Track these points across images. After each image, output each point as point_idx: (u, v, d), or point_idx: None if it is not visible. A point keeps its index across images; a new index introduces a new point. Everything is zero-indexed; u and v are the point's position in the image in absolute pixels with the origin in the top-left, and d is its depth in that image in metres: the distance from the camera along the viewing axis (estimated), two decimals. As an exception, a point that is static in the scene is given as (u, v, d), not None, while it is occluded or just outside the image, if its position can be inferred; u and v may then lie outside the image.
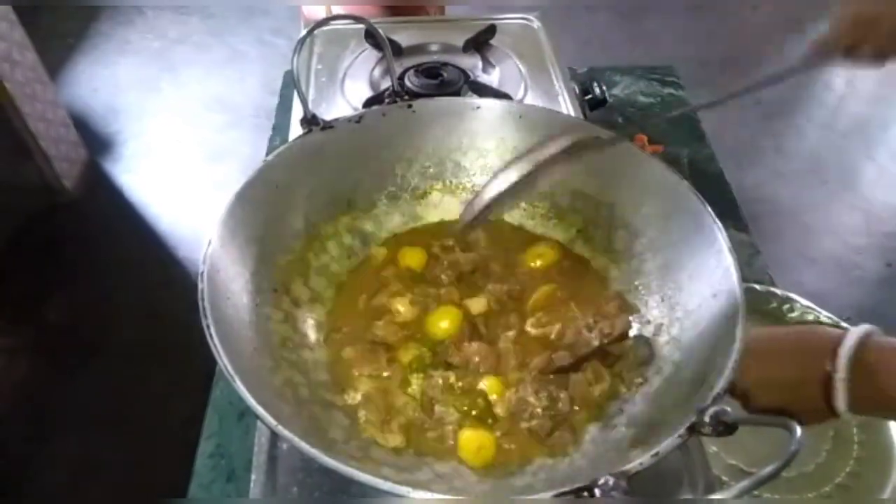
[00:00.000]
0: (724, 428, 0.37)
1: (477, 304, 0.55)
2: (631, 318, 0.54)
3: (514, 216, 0.63)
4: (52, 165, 1.67)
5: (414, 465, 0.45)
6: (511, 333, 0.53)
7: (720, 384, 0.39)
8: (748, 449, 0.57)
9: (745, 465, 0.57)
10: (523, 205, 0.63)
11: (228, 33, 2.40)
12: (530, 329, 0.53)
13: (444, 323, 0.53)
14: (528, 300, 0.56)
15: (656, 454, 0.36)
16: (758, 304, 0.67)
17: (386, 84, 0.77)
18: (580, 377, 0.49)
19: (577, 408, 0.49)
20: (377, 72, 0.81)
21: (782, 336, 0.46)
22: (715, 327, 0.45)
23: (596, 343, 0.51)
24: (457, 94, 0.75)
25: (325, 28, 0.87)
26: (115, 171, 1.88)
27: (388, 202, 0.62)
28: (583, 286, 0.57)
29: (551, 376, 0.50)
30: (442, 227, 0.63)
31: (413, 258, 0.59)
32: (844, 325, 0.66)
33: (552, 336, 0.53)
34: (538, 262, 0.59)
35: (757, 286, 0.68)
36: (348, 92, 0.78)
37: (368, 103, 0.74)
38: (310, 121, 0.56)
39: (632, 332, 0.53)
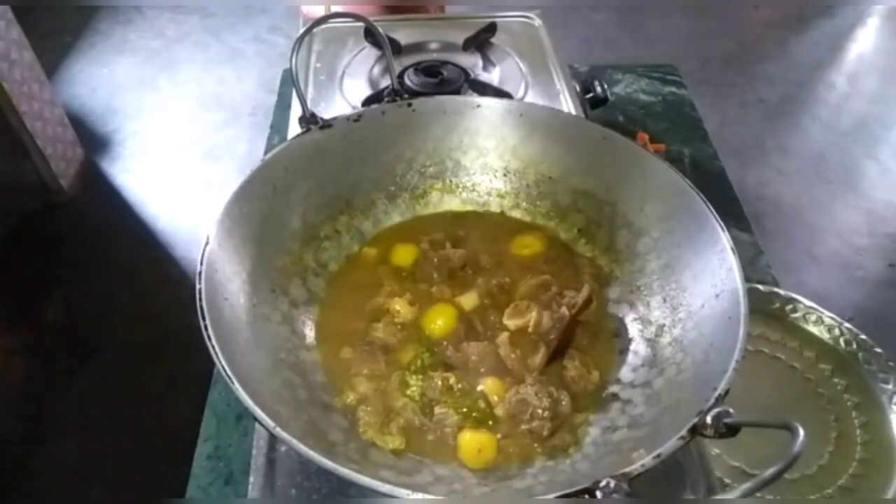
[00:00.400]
0: (727, 429, 0.37)
1: (468, 301, 0.55)
2: (633, 318, 0.54)
3: (514, 214, 0.63)
4: (49, 164, 1.67)
5: (413, 468, 0.45)
6: (507, 333, 0.53)
7: (722, 385, 0.39)
8: (750, 451, 0.56)
9: (747, 467, 0.56)
10: (524, 204, 0.62)
11: (227, 32, 2.40)
12: (507, 322, 0.53)
13: (439, 321, 0.53)
14: (516, 292, 0.56)
15: (658, 456, 0.36)
16: (761, 304, 0.67)
17: (385, 82, 0.77)
18: (574, 371, 0.49)
19: (577, 405, 0.48)
20: (376, 70, 0.80)
21: None
22: (717, 328, 0.45)
23: (567, 315, 0.51)
24: (457, 92, 0.74)
25: (323, 26, 0.86)
26: (112, 171, 1.87)
27: (387, 202, 0.62)
28: (568, 271, 0.57)
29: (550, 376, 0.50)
30: (429, 221, 0.62)
31: (405, 255, 0.58)
32: (847, 325, 0.66)
33: (530, 328, 0.52)
34: (525, 252, 0.59)
35: (760, 286, 0.68)
36: (347, 90, 0.77)
37: (367, 102, 0.74)
38: (308, 119, 0.56)
39: (633, 333, 0.53)
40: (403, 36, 0.84)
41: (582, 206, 0.60)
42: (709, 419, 0.37)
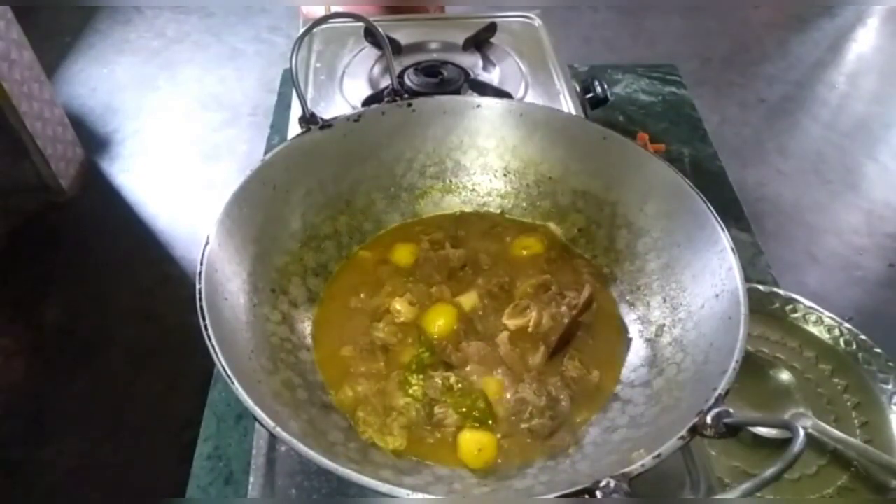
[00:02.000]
0: (727, 429, 0.37)
1: (468, 301, 0.55)
2: (633, 318, 0.54)
3: (514, 214, 0.63)
4: (49, 164, 1.67)
5: (413, 468, 0.45)
6: (507, 333, 0.53)
7: (722, 385, 0.39)
8: (750, 451, 0.56)
9: (747, 467, 0.56)
10: (524, 204, 0.62)
11: (227, 32, 2.40)
12: (507, 322, 0.53)
13: (440, 321, 0.53)
14: (516, 292, 0.56)
15: (658, 456, 0.36)
16: (761, 304, 0.67)
17: (385, 82, 0.77)
18: (574, 371, 0.49)
19: (577, 405, 0.48)
20: (376, 70, 0.80)
21: None
22: (717, 328, 0.45)
23: (567, 315, 0.51)
24: (457, 92, 0.74)
25: (323, 26, 0.86)
26: (112, 171, 1.87)
27: (387, 202, 0.62)
28: (568, 271, 0.57)
29: (550, 373, 0.50)
30: (429, 221, 0.62)
31: (405, 255, 0.58)
32: (847, 325, 0.66)
33: (530, 327, 0.52)
34: (525, 252, 0.59)
35: (760, 286, 0.68)
36: (347, 90, 0.77)
37: (368, 102, 0.74)
38: (308, 119, 0.56)
39: (633, 333, 0.53)
40: (403, 36, 0.84)
41: (582, 206, 0.60)
42: (709, 419, 0.37)
